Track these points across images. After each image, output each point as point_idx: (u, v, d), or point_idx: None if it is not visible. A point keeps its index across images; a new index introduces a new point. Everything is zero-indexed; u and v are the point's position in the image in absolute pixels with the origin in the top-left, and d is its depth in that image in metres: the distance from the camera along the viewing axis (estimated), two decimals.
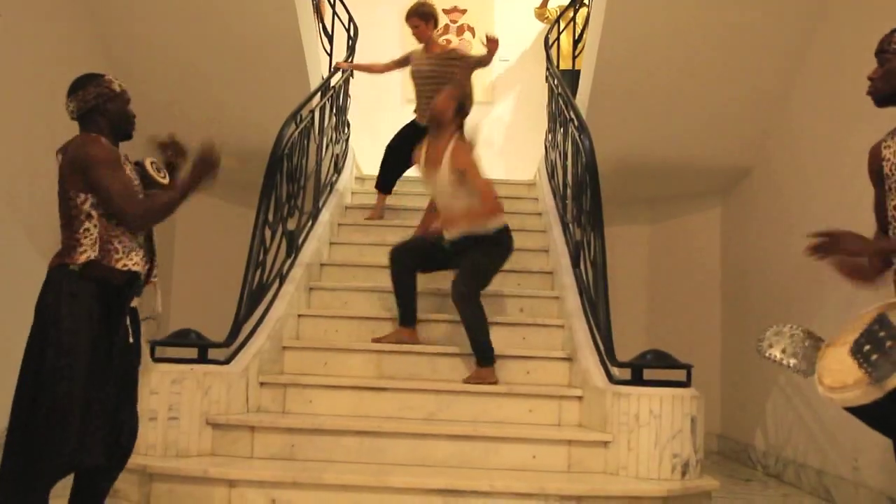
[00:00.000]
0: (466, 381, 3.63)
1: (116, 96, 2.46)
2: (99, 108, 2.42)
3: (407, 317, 3.90)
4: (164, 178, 2.58)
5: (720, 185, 5.71)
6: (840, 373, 1.92)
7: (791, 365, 2.15)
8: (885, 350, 1.83)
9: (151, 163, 2.57)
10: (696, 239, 6.08)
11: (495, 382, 3.61)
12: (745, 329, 5.31)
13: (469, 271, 3.72)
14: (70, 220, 2.36)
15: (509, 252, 3.86)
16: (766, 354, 2.21)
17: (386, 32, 7.22)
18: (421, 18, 4.97)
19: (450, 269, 3.87)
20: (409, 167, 4.95)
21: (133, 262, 2.39)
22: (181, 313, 5.73)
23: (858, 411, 1.95)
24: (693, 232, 6.11)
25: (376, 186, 5.24)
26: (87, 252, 2.31)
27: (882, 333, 1.86)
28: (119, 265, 2.35)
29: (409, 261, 3.88)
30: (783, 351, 2.17)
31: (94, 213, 2.34)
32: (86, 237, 2.33)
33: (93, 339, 2.28)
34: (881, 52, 2.15)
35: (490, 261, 3.79)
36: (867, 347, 1.87)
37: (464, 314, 3.66)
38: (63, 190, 2.37)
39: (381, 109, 6.97)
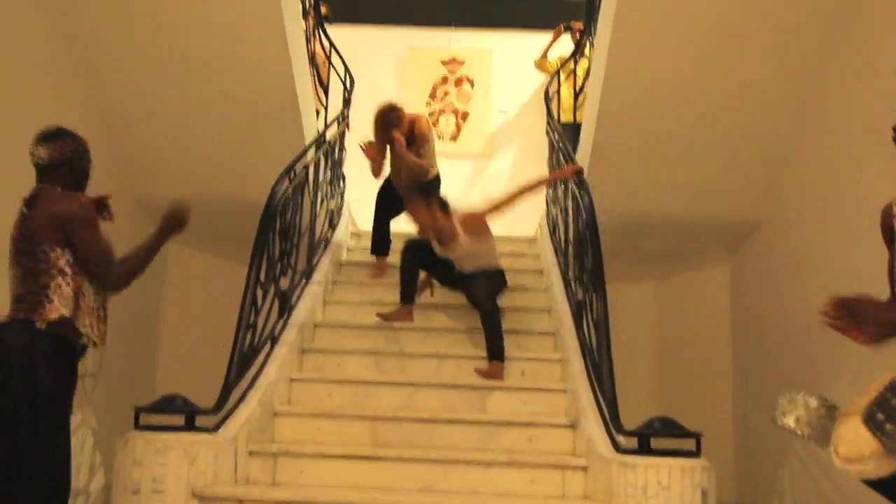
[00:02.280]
0: (480, 373, 4.13)
1: (85, 153, 2.57)
2: (71, 163, 2.51)
3: (406, 297, 4.53)
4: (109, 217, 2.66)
5: (728, 240, 5.72)
6: (855, 443, 1.90)
7: (805, 435, 2.13)
8: None
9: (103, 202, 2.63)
10: (704, 296, 6.07)
11: (503, 379, 4.11)
12: (758, 391, 5.27)
13: (489, 283, 4.40)
14: (36, 274, 2.38)
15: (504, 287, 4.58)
16: (780, 423, 2.20)
17: (382, 81, 7.34)
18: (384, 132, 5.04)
19: (446, 284, 4.62)
20: (397, 214, 5.13)
21: (88, 323, 2.42)
22: (168, 376, 5.70)
23: (876, 484, 1.93)
24: (701, 289, 6.11)
25: (372, 252, 5.28)
26: (60, 310, 2.34)
27: (895, 401, 1.85)
28: (81, 325, 2.39)
29: (420, 256, 4.53)
30: (797, 420, 2.15)
31: (68, 270, 2.38)
32: (57, 294, 2.36)
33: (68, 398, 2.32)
34: None
35: (496, 285, 4.49)
36: (880, 416, 1.86)
37: (492, 319, 4.23)
38: (32, 242, 2.39)
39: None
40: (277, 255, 4.19)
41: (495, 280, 4.50)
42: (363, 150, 5.12)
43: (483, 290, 4.38)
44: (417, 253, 4.56)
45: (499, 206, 4.51)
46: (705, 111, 4.48)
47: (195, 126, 4.88)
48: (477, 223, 4.48)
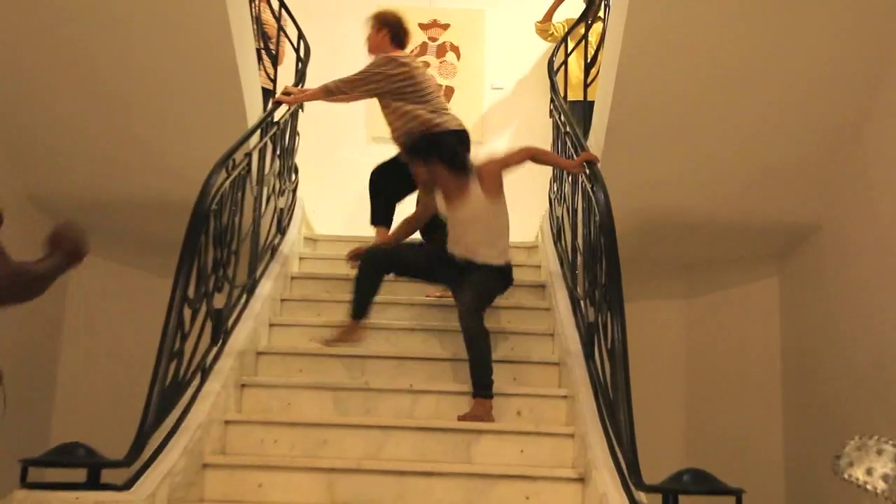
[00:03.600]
0: (462, 418, 4.07)
1: None
2: None
3: (360, 310, 4.43)
4: None
5: (777, 246, 5.72)
6: None
7: (879, 491, 2.10)
8: None
9: None
10: (747, 317, 6.06)
11: (492, 421, 4.08)
12: (814, 435, 5.25)
13: (479, 292, 4.34)
14: None
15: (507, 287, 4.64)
16: (846, 476, 2.17)
17: (345, 50, 7.30)
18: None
19: (436, 283, 4.74)
20: (409, 190, 5.25)
21: None
22: (67, 420, 5.62)
23: None
24: (743, 307, 6.09)
25: (372, 222, 5.33)
26: None
27: None
28: None
29: (391, 259, 4.52)
30: (868, 472, 2.13)
31: None
32: None
33: None
34: None
35: (497, 288, 4.54)
36: None
37: (476, 334, 4.17)
38: None
39: (339, 149, 6.99)
40: (210, 265, 4.15)
41: (496, 278, 4.49)
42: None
43: (475, 286, 4.33)
44: (386, 256, 4.53)
45: (508, 163, 4.59)
46: (751, 86, 4.44)
47: (104, 105, 4.84)
48: (497, 170, 4.52)
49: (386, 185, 5.33)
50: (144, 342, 4.10)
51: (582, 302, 4.49)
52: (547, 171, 6.16)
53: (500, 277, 4.53)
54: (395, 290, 5.02)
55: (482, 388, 4.14)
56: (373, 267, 4.47)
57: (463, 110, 7.42)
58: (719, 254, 6.00)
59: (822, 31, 4.15)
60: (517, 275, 5.43)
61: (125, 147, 5.07)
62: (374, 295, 4.45)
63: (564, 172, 5.38)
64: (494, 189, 4.50)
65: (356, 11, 7.59)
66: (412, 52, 7.62)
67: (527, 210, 6.61)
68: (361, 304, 4.43)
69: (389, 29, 5.30)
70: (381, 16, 5.34)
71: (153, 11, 4.35)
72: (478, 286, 4.37)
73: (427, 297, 5.10)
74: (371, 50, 5.33)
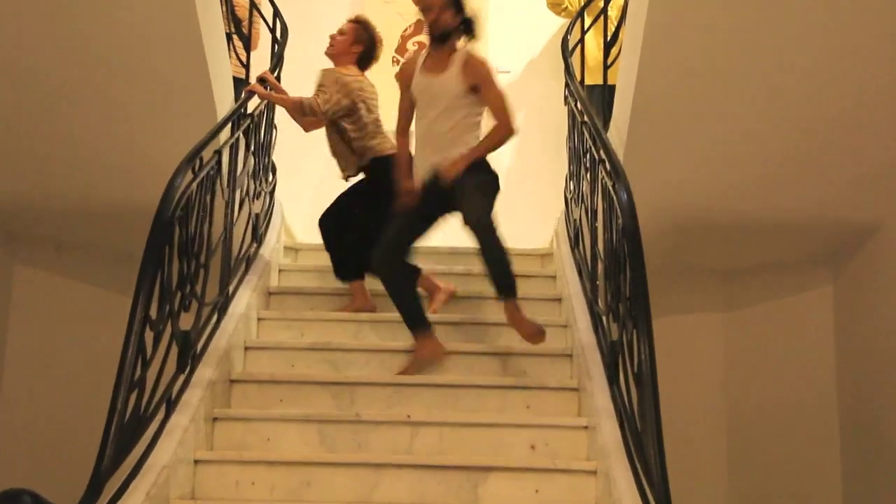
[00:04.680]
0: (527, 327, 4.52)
1: None
2: None
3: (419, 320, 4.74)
4: None
5: (830, 250, 5.72)
6: None
7: None
8: None
9: None
10: (796, 332, 6.07)
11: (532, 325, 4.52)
12: (880, 474, 5.23)
13: (481, 193, 4.62)
14: None
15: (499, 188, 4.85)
16: None
17: (327, 31, 7.29)
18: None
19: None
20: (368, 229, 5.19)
21: None
22: (10, 462, 5.60)
23: None
24: (791, 321, 6.10)
25: (342, 278, 5.42)
26: None
27: None
28: None
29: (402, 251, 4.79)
30: None
31: None
32: None
33: None
34: None
35: (493, 185, 4.78)
36: None
37: (492, 241, 4.50)
38: None
39: (323, 144, 6.96)
40: (176, 281, 4.13)
41: (485, 177, 4.76)
42: None
43: (475, 197, 4.58)
44: (397, 243, 4.76)
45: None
46: (803, 65, 4.42)
47: (41, 96, 4.83)
48: (484, 71, 4.81)
49: (342, 231, 5.43)
50: (100, 370, 4.08)
51: (604, 318, 4.47)
52: (562, 168, 6.16)
53: (488, 174, 4.80)
54: (388, 306, 5.04)
55: (511, 285, 4.56)
56: (393, 262, 4.76)
57: None
58: (762, 259, 5.98)
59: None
60: (530, 288, 5.52)
61: (70, 145, 5.07)
62: (416, 292, 4.89)
63: (582, 168, 5.38)
64: (473, 80, 4.77)
65: None
66: (405, 31, 7.67)
67: (540, 212, 6.65)
68: (415, 311, 4.74)
69: (364, 47, 5.54)
70: (365, 28, 5.56)
71: None
72: (476, 186, 4.65)
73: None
74: (333, 54, 5.55)
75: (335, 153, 5.57)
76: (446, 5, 4.80)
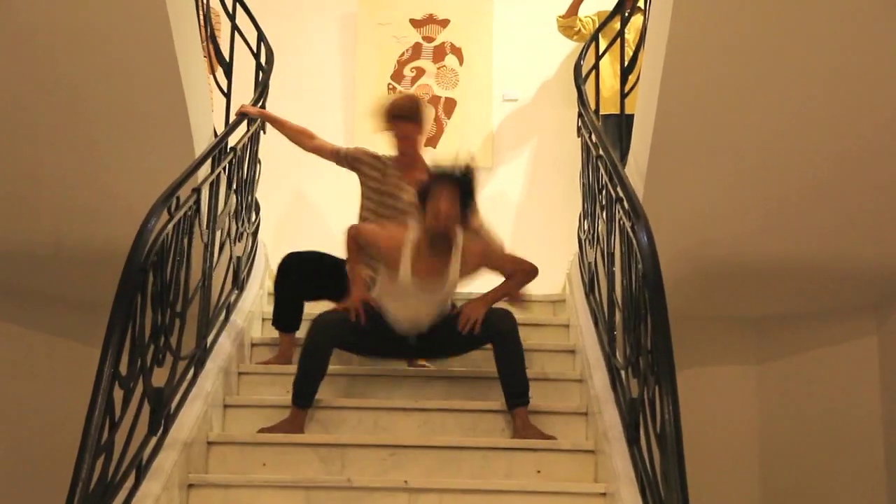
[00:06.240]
0: (520, 435, 4.53)
1: None
2: None
3: (306, 396, 4.70)
4: None
5: (874, 296, 5.72)
6: None
7: None
8: None
9: None
10: (837, 385, 6.05)
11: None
12: None
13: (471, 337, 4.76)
14: None
15: None
16: None
17: (317, 55, 7.35)
18: (413, 123, 5.43)
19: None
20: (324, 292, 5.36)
21: None
22: None
23: None
24: (832, 373, 6.08)
25: (281, 327, 5.44)
26: None
27: None
28: None
29: (343, 332, 4.76)
30: None
31: None
32: None
33: None
34: None
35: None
36: None
37: (515, 345, 4.67)
38: None
39: (309, 180, 7.03)
40: (149, 332, 4.12)
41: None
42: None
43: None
44: (339, 329, 4.76)
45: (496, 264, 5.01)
46: (836, 85, 4.39)
47: (12, 133, 4.84)
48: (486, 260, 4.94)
49: (300, 281, 5.43)
50: (64, 431, 4.07)
51: (622, 372, 4.45)
52: (575, 205, 6.17)
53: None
54: (380, 361, 5.05)
55: (524, 391, 4.64)
56: (326, 342, 4.74)
57: (467, 128, 7.50)
58: (798, 306, 5.97)
59: None
60: (541, 338, 5.54)
61: (35, 182, 5.09)
62: (322, 375, 4.75)
63: (597, 206, 5.39)
64: (474, 269, 4.92)
65: (327, 7, 7.71)
66: (401, 55, 7.72)
67: (551, 253, 6.62)
68: (309, 389, 4.70)
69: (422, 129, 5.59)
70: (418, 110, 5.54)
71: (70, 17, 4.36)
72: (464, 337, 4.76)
73: (421, 365, 5.19)
74: (403, 149, 5.50)
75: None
76: (458, 202, 4.76)
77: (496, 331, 4.70)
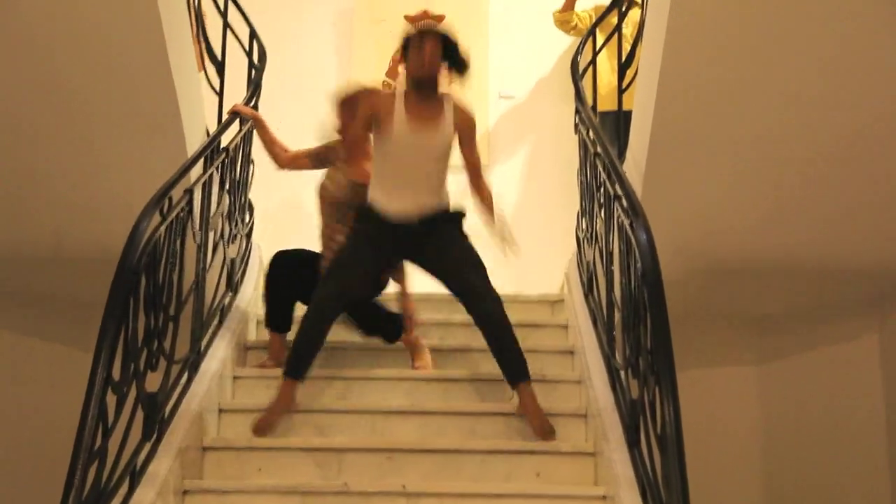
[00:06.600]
0: (521, 412, 4.58)
1: None
2: None
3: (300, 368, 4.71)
4: None
5: (875, 294, 5.71)
6: None
7: None
8: None
9: None
10: (839, 385, 6.07)
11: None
12: None
13: (475, 264, 4.72)
14: None
15: None
16: None
17: (312, 51, 7.34)
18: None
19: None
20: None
21: None
22: None
23: None
24: (834, 373, 6.10)
25: (273, 326, 5.40)
26: None
27: None
28: None
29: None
30: None
31: None
32: None
33: None
34: None
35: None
36: None
37: (504, 320, 4.61)
38: None
39: (303, 180, 6.98)
40: (142, 336, 4.11)
41: (462, 232, 4.86)
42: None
43: (470, 268, 4.70)
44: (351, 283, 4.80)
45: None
46: (849, 84, 4.39)
47: (7, 134, 4.86)
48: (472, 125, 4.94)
49: (290, 281, 5.40)
50: (56, 437, 4.05)
51: (622, 373, 4.45)
52: (573, 204, 6.16)
53: (461, 228, 4.90)
54: (380, 362, 5.03)
55: (523, 369, 4.62)
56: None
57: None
58: (798, 305, 5.99)
59: None
60: (538, 340, 5.52)
61: (29, 182, 5.09)
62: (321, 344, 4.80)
63: (595, 204, 5.37)
64: (461, 132, 4.91)
65: (322, 3, 7.69)
66: (396, 53, 7.68)
67: (549, 252, 6.63)
68: (311, 357, 4.73)
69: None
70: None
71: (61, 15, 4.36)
72: (468, 253, 4.77)
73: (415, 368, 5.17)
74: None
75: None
76: (440, 52, 4.87)
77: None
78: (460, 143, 4.91)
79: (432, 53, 4.81)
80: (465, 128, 4.91)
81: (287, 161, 5.66)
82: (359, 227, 4.92)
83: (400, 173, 4.87)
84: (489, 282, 4.70)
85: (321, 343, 4.76)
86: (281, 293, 5.39)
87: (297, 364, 4.69)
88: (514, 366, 4.63)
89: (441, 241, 4.80)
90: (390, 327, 5.33)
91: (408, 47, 4.90)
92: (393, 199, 4.82)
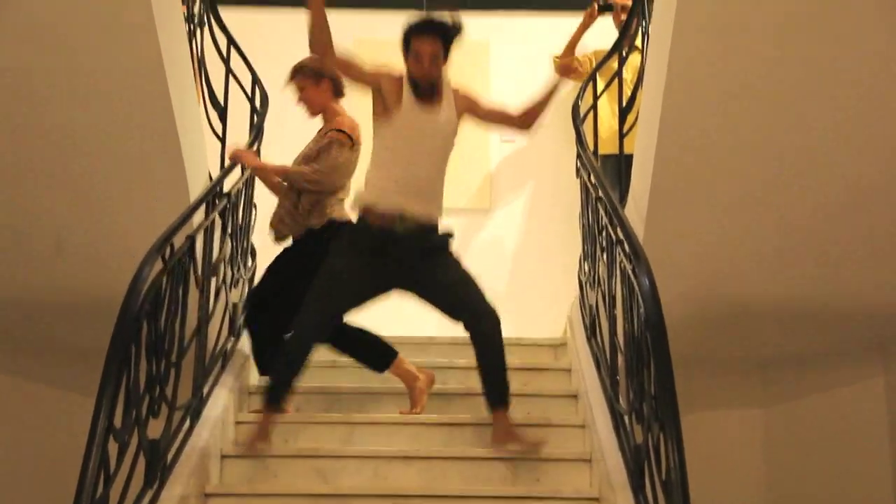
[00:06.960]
0: (499, 440, 4.58)
1: None
2: None
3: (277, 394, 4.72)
4: None
5: (881, 337, 5.71)
6: None
7: None
8: None
9: None
10: (845, 429, 6.03)
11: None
12: None
13: (470, 283, 4.69)
14: None
15: None
16: None
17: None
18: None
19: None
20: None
21: None
22: None
23: None
24: (839, 416, 6.07)
25: (258, 368, 5.45)
26: None
27: None
28: None
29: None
30: None
31: None
32: None
33: None
34: None
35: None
36: None
37: (499, 341, 4.60)
38: None
39: None
40: (144, 383, 4.10)
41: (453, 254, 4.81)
42: None
43: (471, 288, 4.68)
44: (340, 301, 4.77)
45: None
46: (837, 123, 4.40)
47: (8, 177, 4.86)
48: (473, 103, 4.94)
49: (264, 319, 5.42)
50: (57, 484, 4.02)
51: (626, 417, 4.44)
52: (574, 247, 6.17)
53: (451, 249, 4.83)
54: (379, 408, 5.02)
55: (504, 393, 4.64)
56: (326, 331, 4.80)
57: (464, 170, 7.48)
58: (803, 348, 5.96)
59: None
60: (541, 384, 5.52)
61: (30, 225, 5.07)
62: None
63: (598, 248, 5.38)
64: (465, 106, 4.90)
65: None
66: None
67: (551, 296, 6.63)
68: (289, 387, 4.73)
69: (331, 80, 5.54)
70: (305, 69, 5.56)
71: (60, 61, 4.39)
72: (462, 273, 4.74)
73: (400, 412, 5.15)
74: (314, 109, 5.59)
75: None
76: (440, 50, 4.80)
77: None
78: (476, 113, 4.95)
79: (432, 55, 4.75)
80: (470, 101, 4.92)
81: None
82: (351, 245, 4.81)
83: (403, 155, 4.78)
84: (486, 298, 4.68)
85: (304, 369, 4.74)
86: (260, 334, 5.40)
87: (277, 395, 4.71)
88: (498, 389, 4.64)
89: (435, 266, 4.73)
90: (378, 360, 5.28)
91: (407, 45, 4.80)
92: (389, 193, 4.71)
